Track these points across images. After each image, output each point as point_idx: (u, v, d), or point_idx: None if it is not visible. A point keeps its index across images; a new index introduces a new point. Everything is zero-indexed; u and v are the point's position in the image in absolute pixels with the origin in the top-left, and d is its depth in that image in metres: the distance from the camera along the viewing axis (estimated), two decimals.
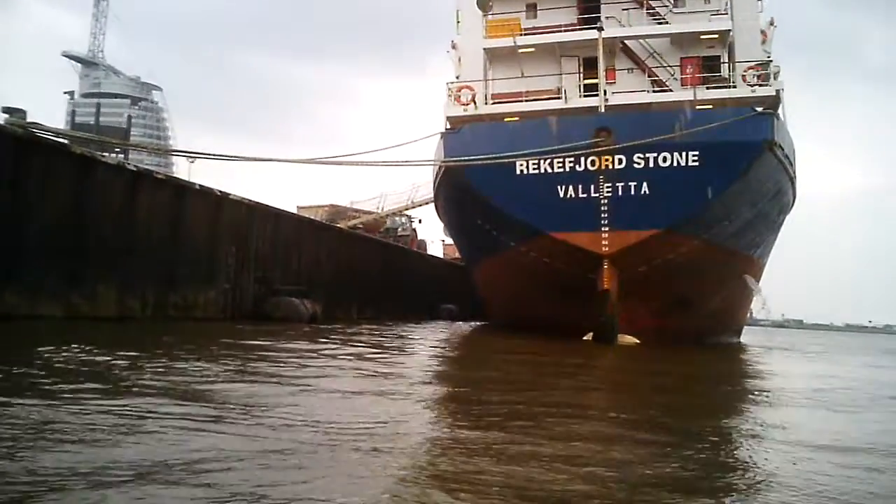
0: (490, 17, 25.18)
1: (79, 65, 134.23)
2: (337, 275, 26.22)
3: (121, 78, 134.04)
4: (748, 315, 35.33)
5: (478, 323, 32.53)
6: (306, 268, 24.24)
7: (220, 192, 20.31)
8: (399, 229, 38.41)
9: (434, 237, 45.33)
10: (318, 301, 22.63)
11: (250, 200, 21.51)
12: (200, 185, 20.25)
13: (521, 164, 20.03)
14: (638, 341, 20.34)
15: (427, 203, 31.47)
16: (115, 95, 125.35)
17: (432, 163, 21.64)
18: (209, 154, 17.00)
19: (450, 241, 36.44)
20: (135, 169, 17.83)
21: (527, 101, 23.56)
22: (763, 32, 26.01)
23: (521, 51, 24.17)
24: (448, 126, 23.87)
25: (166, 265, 17.80)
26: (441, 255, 44.72)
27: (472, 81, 24.32)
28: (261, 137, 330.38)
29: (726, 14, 24.12)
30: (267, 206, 22.57)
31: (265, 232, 22.21)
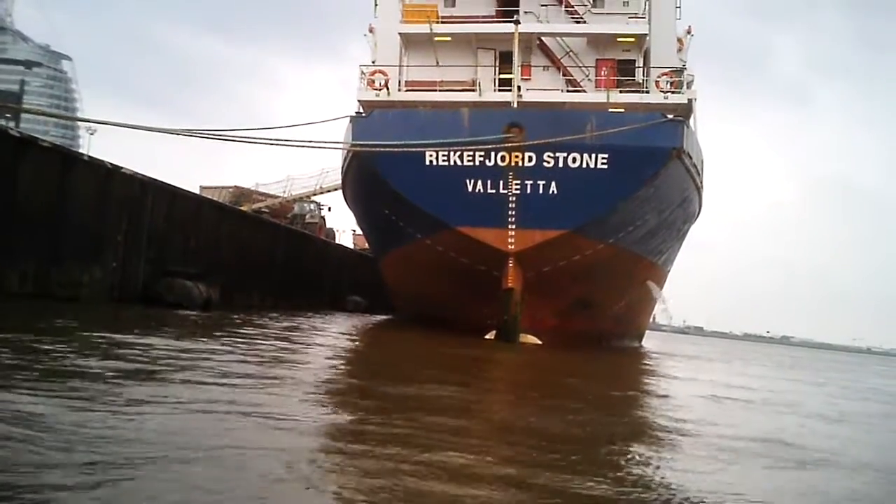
0: (407, 2, 24.60)
1: None
2: (237, 259, 25.12)
3: (29, 45, 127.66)
4: (650, 320, 35.96)
5: (384, 317, 31.91)
6: (204, 250, 23.06)
7: (112, 164, 19.07)
8: (307, 216, 37.31)
9: (345, 226, 44.44)
10: (215, 286, 21.58)
11: (144, 176, 20.29)
12: (90, 157, 18.98)
13: (431, 155, 19.54)
14: (540, 342, 20.17)
15: (336, 189, 30.62)
16: (17, 62, 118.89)
17: (337, 146, 20.86)
18: (98, 121, 15.96)
19: (361, 231, 35.65)
20: (18, 135, 16.49)
21: (441, 90, 23.08)
22: (680, 40, 26.25)
23: (436, 39, 23.64)
24: (359, 110, 23.19)
25: (49, 239, 16.54)
26: (351, 246, 43.84)
27: (386, 66, 23.68)
28: (181, 116, 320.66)
29: (644, 18, 24.20)
30: (162, 182, 21.35)
31: (160, 210, 20.98)
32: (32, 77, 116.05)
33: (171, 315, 16.76)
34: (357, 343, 17.86)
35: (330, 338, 17.09)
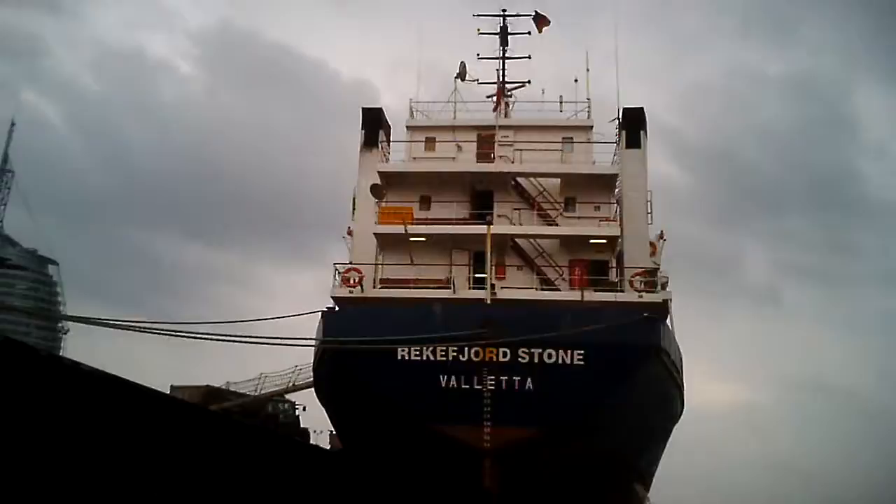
0: (384, 204, 25.16)
1: None
2: None
3: (16, 249, 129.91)
4: None
5: None
6: None
7: (71, 361, 18.39)
8: (280, 416, 36.19)
9: (321, 426, 42.75)
10: None
11: (106, 373, 19.56)
12: (48, 353, 18.33)
13: (403, 350, 19.18)
14: None
15: (309, 387, 29.81)
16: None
17: (308, 342, 20.47)
18: (64, 316, 15.62)
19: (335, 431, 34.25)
20: None
21: (416, 287, 23.11)
22: (652, 244, 26.73)
23: (411, 239, 24.00)
24: (332, 307, 23.03)
25: None
26: (328, 447, 41.95)
27: (361, 264, 23.81)
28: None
29: (615, 222, 24.80)
30: (122, 380, 20.56)
31: None
32: (18, 280, 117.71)
33: None
34: None
35: None
